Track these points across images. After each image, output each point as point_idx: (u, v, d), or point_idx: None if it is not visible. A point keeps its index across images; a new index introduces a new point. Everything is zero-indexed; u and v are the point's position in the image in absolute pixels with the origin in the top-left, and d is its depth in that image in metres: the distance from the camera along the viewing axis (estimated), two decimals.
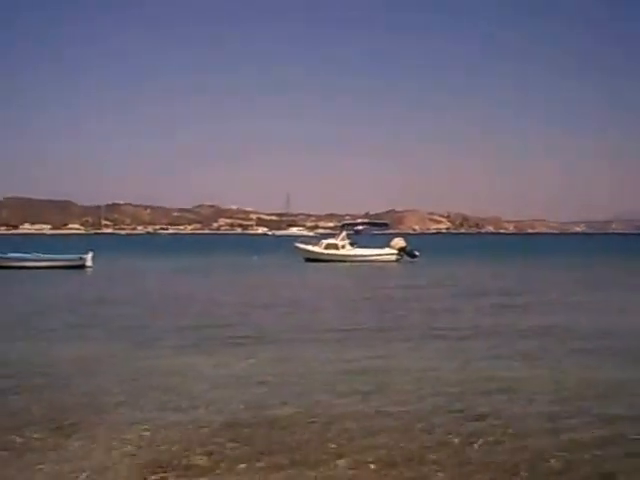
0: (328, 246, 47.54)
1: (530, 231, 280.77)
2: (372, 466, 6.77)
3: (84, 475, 6.46)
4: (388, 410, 8.74)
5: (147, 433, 7.72)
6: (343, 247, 47.30)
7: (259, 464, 6.78)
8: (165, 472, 6.56)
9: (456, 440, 7.51)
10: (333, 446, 7.33)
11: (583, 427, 8.00)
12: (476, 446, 7.33)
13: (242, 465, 6.76)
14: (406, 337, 14.71)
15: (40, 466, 6.69)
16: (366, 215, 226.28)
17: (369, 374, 10.87)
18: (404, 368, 11.32)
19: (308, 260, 47.04)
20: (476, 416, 8.45)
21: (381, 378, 10.56)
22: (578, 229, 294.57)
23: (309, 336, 14.83)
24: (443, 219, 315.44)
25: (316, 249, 48.00)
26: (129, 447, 7.25)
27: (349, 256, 46.55)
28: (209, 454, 7.05)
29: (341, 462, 6.85)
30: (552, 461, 6.88)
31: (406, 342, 14.06)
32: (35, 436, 7.58)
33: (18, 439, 7.48)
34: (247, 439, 7.54)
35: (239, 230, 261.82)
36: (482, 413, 8.57)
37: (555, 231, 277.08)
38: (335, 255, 46.53)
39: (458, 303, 21.55)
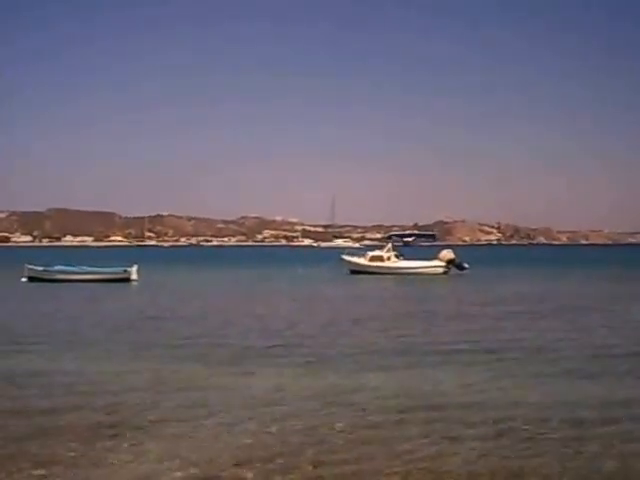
0: (373, 258, 46.76)
1: (584, 242, 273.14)
2: None
3: None
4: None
5: (197, 450, 7.79)
6: (389, 259, 46.43)
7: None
8: None
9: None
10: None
11: None
12: None
13: None
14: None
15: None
16: (415, 226, 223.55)
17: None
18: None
19: (353, 272, 46.34)
20: None
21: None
22: (633, 240, 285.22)
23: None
24: (493, 230, 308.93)
25: (361, 261, 47.32)
26: (179, 461, 7.44)
27: (395, 268, 45.63)
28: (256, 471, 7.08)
29: None
30: None
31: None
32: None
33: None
34: (299, 460, 7.42)
35: (284, 242, 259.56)
36: None
37: (609, 242, 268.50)
38: (381, 267, 45.63)
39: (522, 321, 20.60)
